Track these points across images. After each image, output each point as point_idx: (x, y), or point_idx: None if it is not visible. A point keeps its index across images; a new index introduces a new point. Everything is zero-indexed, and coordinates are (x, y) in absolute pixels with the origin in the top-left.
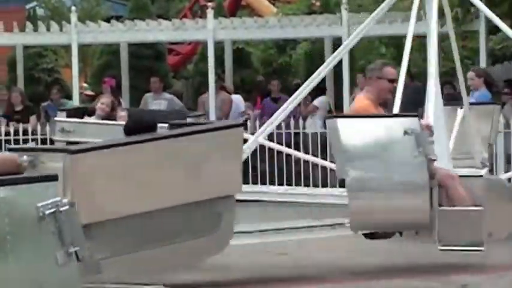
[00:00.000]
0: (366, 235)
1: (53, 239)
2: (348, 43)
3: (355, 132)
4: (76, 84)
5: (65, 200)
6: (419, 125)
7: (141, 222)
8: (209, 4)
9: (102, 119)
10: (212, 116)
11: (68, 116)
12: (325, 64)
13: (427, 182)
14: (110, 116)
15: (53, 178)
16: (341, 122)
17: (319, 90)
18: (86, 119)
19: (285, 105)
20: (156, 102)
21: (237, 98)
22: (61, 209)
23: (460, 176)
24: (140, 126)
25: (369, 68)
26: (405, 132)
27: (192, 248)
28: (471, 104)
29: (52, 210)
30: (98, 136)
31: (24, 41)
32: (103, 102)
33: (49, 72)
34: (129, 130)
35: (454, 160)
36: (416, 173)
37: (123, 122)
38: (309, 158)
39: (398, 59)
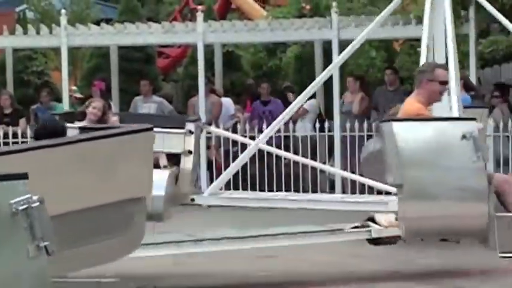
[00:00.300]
0: (369, 241)
1: (25, 234)
2: (355, 43)
3: (411, 136)
4: (66, 87)
5: (35, 197)
6: (477, 129)
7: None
8: (199, 7)
9: (94, 123)
10: (202, 119)
11: (66, 121)
12: (331, 65)
13: (486, 188)
14: (101, 120)
15: (24, 176)
16: (397, 126)
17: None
18: (77, 124)
19: (287, 110)
20: (146, 105)
21: (227, 101)
22: (32, 205)
23: None
24: (49, 131)
25: (419, 70)
26: (463, 136)
27: (104, 249)
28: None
29: (24, 206)
30: None
31: (14, 44)
32: (95, 107)
33: (39, 75)
34: (38, 135)
35: None
36: (475, 179)
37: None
38: (316, 164)
39: (389, 62)
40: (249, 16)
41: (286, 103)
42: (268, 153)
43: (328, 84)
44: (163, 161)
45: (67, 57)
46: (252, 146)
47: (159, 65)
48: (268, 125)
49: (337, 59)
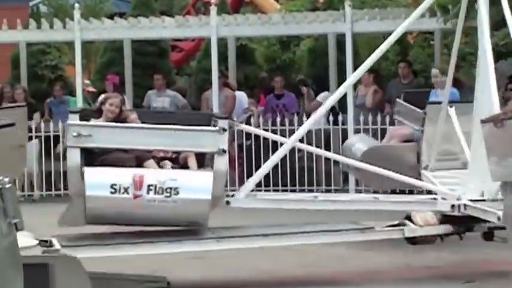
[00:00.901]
0: (407, 240)
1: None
2: (395, 35)
3: None
4: (79, 81)
5: (7, 179)
6: None
7: None
8: (212, 1)
9: (111, 121)
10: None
11: (82, 119)
12: (370, 59)
13: None
14: (119, 117)
15: None
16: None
17: (322, 85)
18: (96, 122)
19: (322, 108)
20: (160, 99)
21: (241, 95)
22: (6, 186)
23: None
24: None
25: None
26: None
27: None
28: (452, 102)
29: None
30: (121, 141)
31: (28, 38)
32: (112, 103)
33: (52, 69)
34: None
35: (438, 161)
36: None
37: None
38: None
39: (402, 55)
40: (263, 9)
41: (300, 96)
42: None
43: (341, 77)
44: (192, 162)
45: (80, 52)
46: (287, 145)
47: (173, 58)
48: (282, 118)
49: (378, 51)
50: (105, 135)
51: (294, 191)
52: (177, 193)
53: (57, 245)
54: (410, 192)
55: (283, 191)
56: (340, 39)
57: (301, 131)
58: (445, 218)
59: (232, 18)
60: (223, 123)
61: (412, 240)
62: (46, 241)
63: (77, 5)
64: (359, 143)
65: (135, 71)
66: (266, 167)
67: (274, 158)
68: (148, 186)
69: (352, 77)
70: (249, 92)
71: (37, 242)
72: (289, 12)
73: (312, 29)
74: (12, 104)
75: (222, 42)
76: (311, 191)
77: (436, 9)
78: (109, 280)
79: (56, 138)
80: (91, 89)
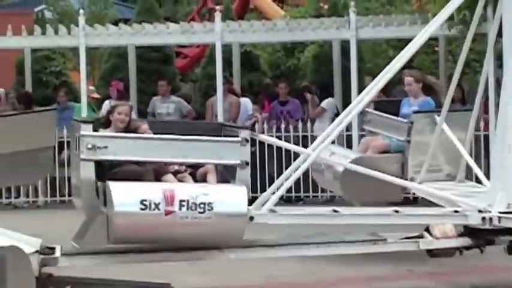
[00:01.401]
0: (427, 252)
1: None
2: (416, 40)
3: None
4: (84, 87)
5: None
6: None
7: None
8: (217, 7)
9: (121, 131)
10: (220, 119)
11: (95, 129)
12: (392, 63)
13: None
14: (129, 125)
15: None
16: None
17: (326, 91)
18: (104, 133)
19: (341, 116)
20: (164, 105)
21: (245, 101)
22: None
23: None
24: None
25: None
26: None
27: None
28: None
29: None
30: (139, 153)
31: (32, 44)
32: (120, 112)
33: (57, 75)
34: None
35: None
36: None
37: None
38: None
39: (407, 62)
40: (267, 16)
41: (304, 103)
42: (287, 151)
43: (346, 83)
44: (211, 177)
45: (85, 58)
46: (312, 157)
47: (177, 65)
48: (287, 124)
49: (398, 58)
50: (122, 147)
51: (298, 197)
52: (211, 208)
53: (57, 253)
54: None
55: (287, 197)
56: (345, 46)
57: (325, 143)
58: (466, 231)
59: (237, 25)
60: (245, 134)
61: (431, 253)
62: (53, 248)
63: (81, 11)
64: (335, 154)
65: (140, 77)
66: (290, 182)
67: (299, 171)
68: (180, 201)
69: (373, 84)
70: (253, 98)
71: (35, 249)
72: (293, 19)
73: (317, 35)
74: (41, 108)
75: (227, 49)
76: (315, 197)
77: None
78: (113, 286)
79: (61, 144)
80: (95, 95)
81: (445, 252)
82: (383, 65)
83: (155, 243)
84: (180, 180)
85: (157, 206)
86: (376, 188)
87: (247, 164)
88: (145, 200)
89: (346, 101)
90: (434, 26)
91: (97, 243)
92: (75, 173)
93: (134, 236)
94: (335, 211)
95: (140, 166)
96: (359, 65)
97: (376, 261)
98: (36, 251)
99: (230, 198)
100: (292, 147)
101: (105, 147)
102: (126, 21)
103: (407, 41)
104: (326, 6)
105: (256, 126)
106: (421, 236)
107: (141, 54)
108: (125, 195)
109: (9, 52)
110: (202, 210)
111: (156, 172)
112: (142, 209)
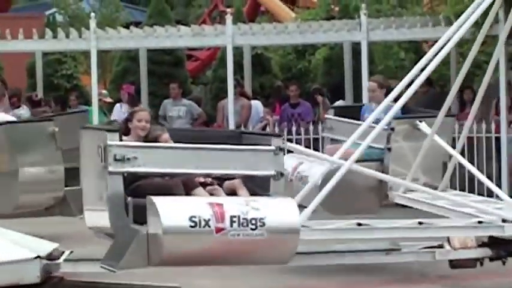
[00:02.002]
0: (449, 263)
1: None
2: (455, 39)
3: None
4: (95, 91)
5: None
6: None
7: None
8: (228, 10)
9: (142, 139)
10: (231, 122)
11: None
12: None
13: None
14: (148, 133)
15: None
16: None
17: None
18: (126, 142)
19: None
20: (175, 108)
21: (257, 104)
22: None
23: None
24: None
25: None
26: None
27: None
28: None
29: None
30: (169, 164)
31: (44, 48)
32: (140, 119)
33: (68, 79)
34: None
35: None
36: None
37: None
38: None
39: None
40: (278, 18)
41: (315, 105)
42: None
43: (357, 85)
44: (243, 192)
45: (96, 61)
46: (344, 167)
47: (188, 67)
48: (298, 127)
49: (421, 62)
50: (153, 158)
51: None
52: (263, 224)
53: (60, 258)
54: None
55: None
56: (356, 48)
57: (357, 154)
58: (490, 241)
59: (248, 27)
60: (277, 142)
61: (451, 264)
62: (62, 253)
63: (92, 14)
64: (307, 167)
65: (151, 80)
66: (322, 195)
67: (333, 182)
68: (231, 217)
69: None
70: (264, 101)
71: (36, 255)
72: (304, 21)
73: (328, 37)
74: (74, 109)
75: (238, 51)
76: None
77: (452, 18)
78: None
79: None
80: (108, 99)
81: (466, 263)
82: (394, 67)
83: (203, 264)
84: (211, 194)
85: (207, 222)
86: (353, 198)
87: (282, 175)
88: (194, 217)
89: (357, 103)
90: (464, 28)
91: (135, 266)
92: (93, 184)
93: (182, 257)
94: (358, 224)
95: (163, 179)
96: (370, 67)
97: (386, 265)
98: (38, 257)
99: (282, 212)
100: (321, 156)
101: (135, 158)
102: (137, 24)
103: (418, 43)
104: (337, 9)
105: (268, 129)
106: (440, 246)
107: (152, 57)
108: (173, 211)
109: (21, 56)
110: (254, 227)
111: (184, 185)
112: (192, 227)
